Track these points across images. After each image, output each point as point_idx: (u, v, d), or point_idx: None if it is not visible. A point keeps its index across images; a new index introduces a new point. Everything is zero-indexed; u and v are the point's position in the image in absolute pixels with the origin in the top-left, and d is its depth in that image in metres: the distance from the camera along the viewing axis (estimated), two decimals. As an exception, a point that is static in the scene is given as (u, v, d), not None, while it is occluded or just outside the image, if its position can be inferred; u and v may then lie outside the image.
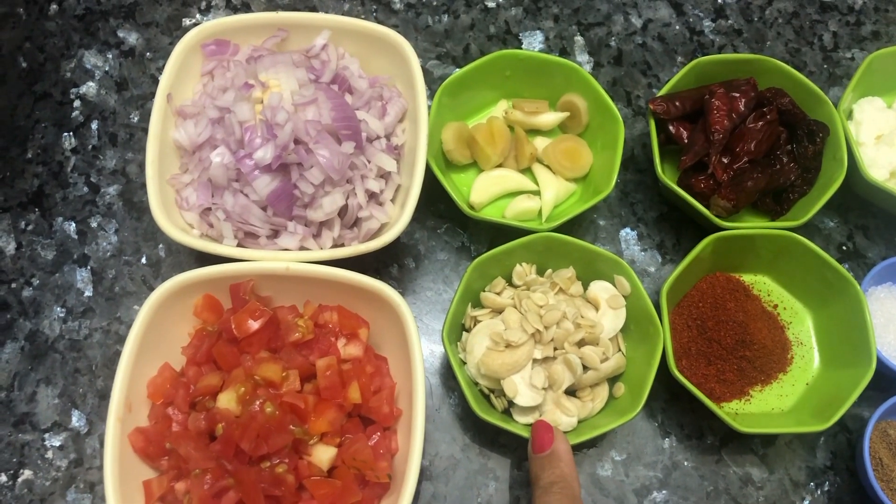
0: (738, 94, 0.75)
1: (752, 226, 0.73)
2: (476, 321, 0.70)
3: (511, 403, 0.67)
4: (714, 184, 0.74)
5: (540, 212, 0.77)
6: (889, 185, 0.76)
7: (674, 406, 0.73)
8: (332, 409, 0.62)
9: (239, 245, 0.70)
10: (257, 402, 0.60)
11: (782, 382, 0.73)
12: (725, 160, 0.74)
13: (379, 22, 0.87)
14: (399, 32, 0.86)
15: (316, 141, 0.67)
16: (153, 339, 0.65)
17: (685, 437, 0.72)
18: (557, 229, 0.72)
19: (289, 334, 0.65)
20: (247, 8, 0.87)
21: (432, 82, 0.85)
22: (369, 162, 0.71)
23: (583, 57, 0.87)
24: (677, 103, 0.75)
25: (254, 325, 0.64)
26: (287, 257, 0.67)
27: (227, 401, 0.61)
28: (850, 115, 0.81)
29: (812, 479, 0.72)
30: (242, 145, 0.68)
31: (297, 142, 0.68)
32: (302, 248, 0.70)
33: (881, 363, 0.70)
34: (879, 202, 0.78)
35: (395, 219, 0.69)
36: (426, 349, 0.75)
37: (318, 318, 0.67)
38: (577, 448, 0.71)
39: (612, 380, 0.71)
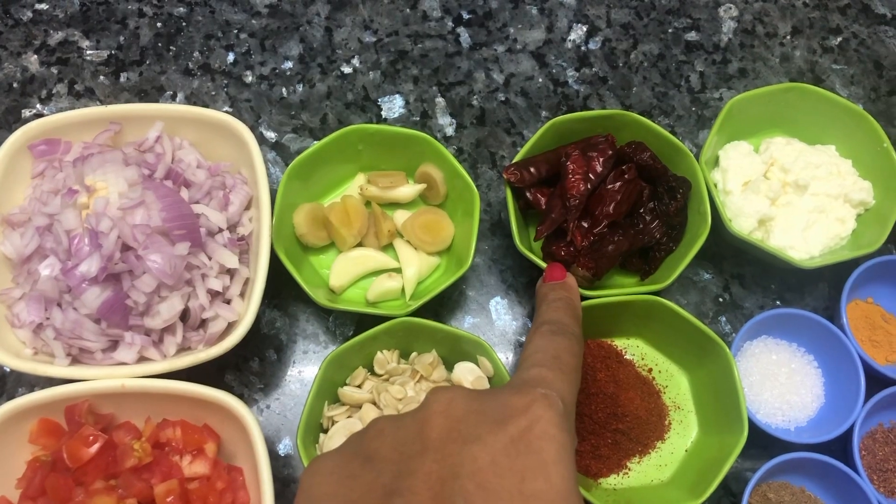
0: (595, 154, 0.72)
1: (615, 292, 0.70)
2: (333, 421, 0.67)
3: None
4: (575, 251, 0.71)
5: (403, 290, 0.74)
6: (754, 236, 0.74)
7: (552, 485, 0.70)
8: (175, 538, 0.59)
9: (74, 361, 0.65)
10: (89, 542, 0.57)
11: (661, 451, 0.70)
12: (585, 224, 0.72)
13: (230, 97, 0.83)
14: (252, 107, 0.83)
15: (145, 246, 0.63)
16: (-16, 473, 0.61)
17: (565, 517, 0.69)
18: (424, 307, 0.69)
19: (124, 460, 0.61)
20: (91, 94, 0.83)
21: (289, 157, 0.81)
22: (210, 259, 0.68)
23: (445, 119, 0.83)
24: (532, 169, 0.72)
25: (88, 452, 0.60)
26: (123, 373, 0.63)
27: (56, 542, 0.57)
28: (717, 162, 0.79)
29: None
30: (70, 256, 0.64)
31: (126, 248, 0.64)
32: (142, 359, 0.66)
33: (756, 426, 0.68)
34: (750, 252, 0.76)
35: (244, 315, 0.66)
36: (293, 448, 0.71)
37: (160, 436, 0.63)
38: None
39: (484, 465, 0.68)
